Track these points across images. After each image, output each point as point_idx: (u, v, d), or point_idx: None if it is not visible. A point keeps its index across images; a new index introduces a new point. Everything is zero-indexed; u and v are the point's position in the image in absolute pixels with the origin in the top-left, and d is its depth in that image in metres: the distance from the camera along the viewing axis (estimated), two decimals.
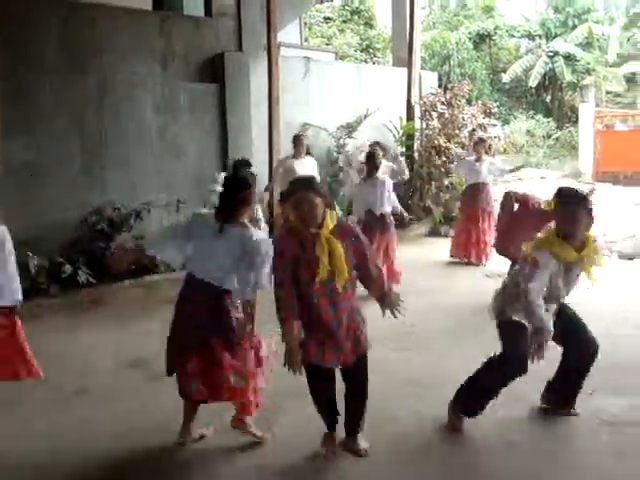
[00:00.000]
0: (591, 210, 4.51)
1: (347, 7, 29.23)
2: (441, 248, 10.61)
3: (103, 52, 9.18)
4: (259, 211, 8.13)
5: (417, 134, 12.88)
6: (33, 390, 5.40)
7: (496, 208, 8.97)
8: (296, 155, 9.59)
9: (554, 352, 4.62)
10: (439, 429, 4.62)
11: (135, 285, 8.43)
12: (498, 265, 8.92)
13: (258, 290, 4.22)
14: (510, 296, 4.51)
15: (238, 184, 4.35)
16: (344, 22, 28.92)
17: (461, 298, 8.01)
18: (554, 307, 4.55)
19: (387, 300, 4.21)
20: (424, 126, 12.89)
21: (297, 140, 9.68)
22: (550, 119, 29.30)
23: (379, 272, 4.26)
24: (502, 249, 7.53)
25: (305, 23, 22.42)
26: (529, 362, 4.31)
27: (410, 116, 12.85)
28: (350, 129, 12.13)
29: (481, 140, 10.18)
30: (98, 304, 8.08)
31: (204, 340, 4.23)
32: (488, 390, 4.53)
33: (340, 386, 4.29)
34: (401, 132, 12.81)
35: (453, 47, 28.82)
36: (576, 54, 29.27)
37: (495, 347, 4.52)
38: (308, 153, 9.80)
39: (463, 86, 13.05)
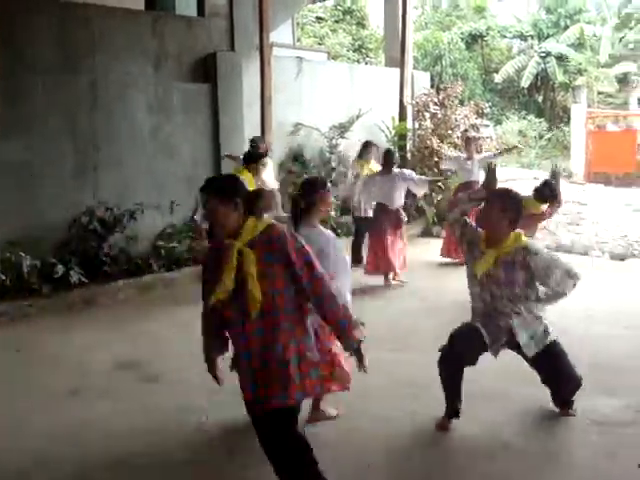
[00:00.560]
0: (511, 208, 4.40)
1: (339, 7, 29.24)
2: (434, 249, 10.62)
3: (96, 52, 9.16)
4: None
5: (409, 134, 12.90)
6: (28, 390, 5.41)
7: None
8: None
9: None
10: (433, 430, 4.64)
11: (128, 286, 8.42)
12: None
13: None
14: None
15: (316, 185, 4.36)
16: (336, 22, 28.93)
17: (455, 297, 8.01)
18: (506, 321, 4.54)
19: (346, 344, 3.45)
20: (417, 126, 12.91)
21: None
22: (542, 119, 29.41)
23: (331, 300, 3.31)
24: None
25: (297, 23, 22.42)
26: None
27: (402, 116, 12.86)
28: (342, 129, 12.13)
29: (471, 139, 10.18)
30: (91, 304, 8.07)
31: None
32: (444, 387, 4.65)
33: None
34: (393, 132, 12.82)
35: (445, 47, 28.88)
36: (568, 55, 29.37)
37: None
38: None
39: (455, 86, 13.08)
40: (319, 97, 12.16)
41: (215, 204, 3.24)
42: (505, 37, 33.19)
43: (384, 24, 15.47)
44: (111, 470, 4.08)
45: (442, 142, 12.42)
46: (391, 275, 8.87)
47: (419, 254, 10.74)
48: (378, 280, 8.80)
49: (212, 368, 3.67)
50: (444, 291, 8.51)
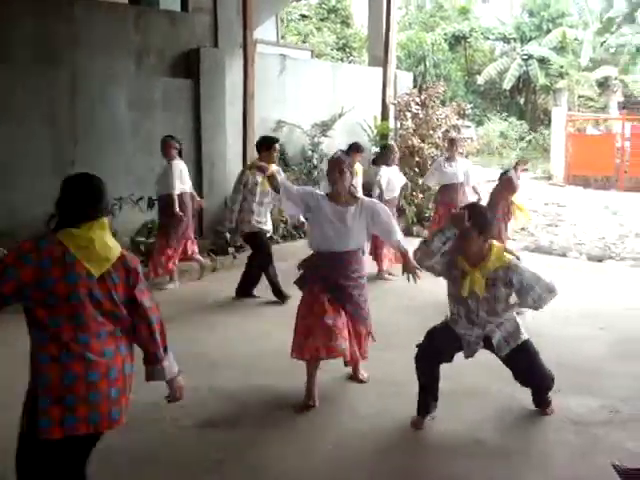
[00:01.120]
0: (475, 222, 4.38)
1: (324, 5, 29.29)
2: (414, 247, 10.64)
3: (78, 45, 9.09)
4: None
5: (391, 134, 12.92)
6: (8, 387, 5.36)
7: None
8: None
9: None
10: (410, 428, 4.66)
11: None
12: None
13: None
14: None
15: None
16: (321, 20, 28.98)
17: (437, 297, 8.03)
18: (476, 331, 4.58)
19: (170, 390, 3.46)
20: (398, 126, 12.94)
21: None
22: (523, 122, 29.63)
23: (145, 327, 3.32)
24: None
25: (282, 20, 22.42)
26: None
27: (385, 116, 12.89)
28: (325, 127, 12.15)
29: (452, 140, 10.22)
30: None
31: None
32: (420, 383, 4.71)
33: None
34: (375, 132, 12.85)
35: (429, 48, 28.99)
36: (550, 58, 29.60)
37: None
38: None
39: (437, 87, 13.12)
40: (302, 95, 12.15)
41: None
42: (488, 39, 33.42)
43: (368, 23, 15.48)
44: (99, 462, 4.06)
45: (423, 142, 12.45)
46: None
47: None
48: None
49: None
50: (427, 290, 8.51)
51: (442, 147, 12.19)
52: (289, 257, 8.59)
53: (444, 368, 4.73)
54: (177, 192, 8.26)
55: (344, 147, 9.68)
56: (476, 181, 10.18)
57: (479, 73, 31.18)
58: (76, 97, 9.10)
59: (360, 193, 8.12)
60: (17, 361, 5.20)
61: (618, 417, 4.86)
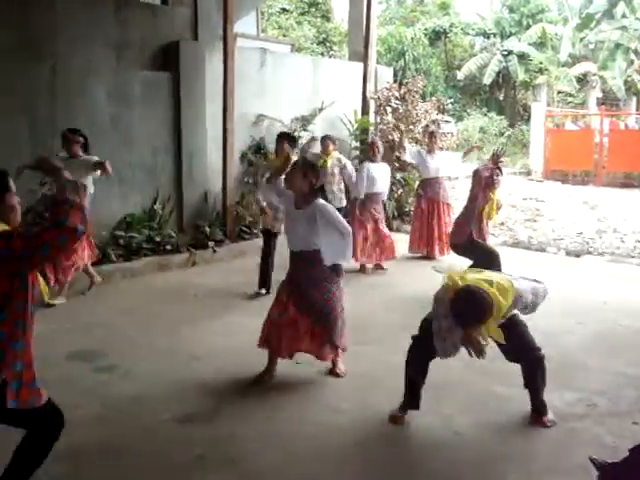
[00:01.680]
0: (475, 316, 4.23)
1: None
2: (395, 242, 10.67)
3: (57, 37, 8.99)
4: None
5: (372, 129, 12.94)
6: None
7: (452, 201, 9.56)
8: None
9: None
10: (387, 422, 4.68)
11: (86, 275, 8.27)
12: (451, 260, 9.12)
13: None
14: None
15: None
16: (301, 14, 28.93)
17: (415, 292, 8.07)
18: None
19: None
20: (378, 120, 12.95)
21: None
22: (503, 117, 29.77)
23: None
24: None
25: (262, 13, 22.35)
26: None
27: (365, 110, 12.89)
28: (305, 122, 12.12)
29: (432, 134, 10.26)
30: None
31: None
32: (411, 377, 4.71)
33: None
34: (355, 126, 12.85)
35: (409, 43, 29.03)
36: (529, 53, 29.77)
37: None
38: None
39: (417, 82, 13.13)
40: (282, 89, 12.13)
41: None
42: (468, 34, 33.54)
43: (349, 18, 15.46)
44: (65, 461, 4.03)
45: (403, 137, 12.48)
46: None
47: None
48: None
49: None
50: (406, 285, 8.57)
51: (422, 142, 12.22)
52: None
53: None
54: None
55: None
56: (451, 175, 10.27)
57: (459, 68, 31.29)
58: (55, 89, 9.01)
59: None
60: None
61: (596, 411, 4.91)
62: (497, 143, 26.01)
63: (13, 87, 8.60)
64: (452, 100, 25.17)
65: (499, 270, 7.34)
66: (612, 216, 13.47)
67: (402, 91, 12.81)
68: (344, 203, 9.19)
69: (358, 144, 12.79)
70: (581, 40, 30.39)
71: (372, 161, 9.30)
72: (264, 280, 8.08)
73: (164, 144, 10.20)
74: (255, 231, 10.44)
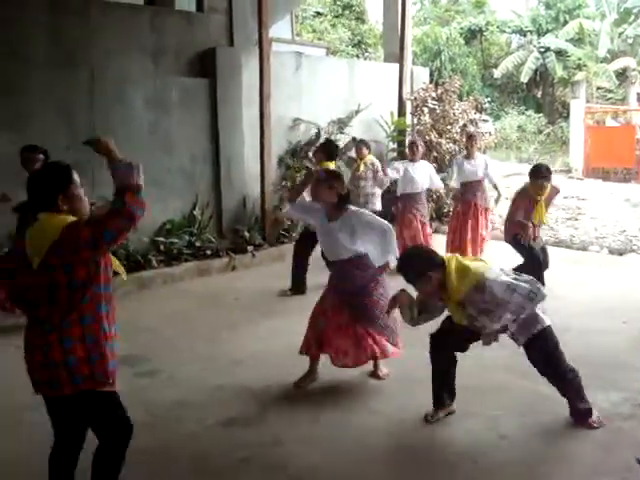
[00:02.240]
0: (419, 271, 4.32)
1: (339, 2, 29.22)
2: (435, 242, 10.58)
3: (93, 47, 9.12)
4: None
5: (409, 130, 12.89)
6: (26, 386, 5.40)
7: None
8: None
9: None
10: (427, 424, 4.65)
11: (127, 282, 8.28)
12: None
13: None
14: None
15: None
16: (336, 17, 28.91)
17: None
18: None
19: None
20: (415, 122, 12.90)
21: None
22: (541, 115, 29.43)
23: None
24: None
25: (297, 17, 22.40)
26: None
27: (401, 112, 12.84)
28: (341, 125, 12.12)
29: (471, 136, 10.16)
30: None
31: None
32: (440, 375, 4.73)
33: None
34: (392, 127, 12.82)
35: (444, 42, 28.85)
36: (567, 50, 29.38)
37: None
38: None
39: (454, 81, 13.07)
40: (318, 92, 12.14)
41: None
42: (504, 32, 33.23)
43: (383, 19, 15.42)
44: None
45: (441, 137, 12.41)
46: None
47: None
48: None
49: None
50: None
51: (460, 142, 12.14)
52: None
53: (466, 365, 4.72)
54: None
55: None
56: (496, 177, 10.10)
57: (496, 67, 31.01)
58: (93, 98, 9.14)
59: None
60: None
61: None
62: (535, 141, 25.78)
63: (52, 96, 8.73)
64: (489, 99, 24.89)
65: (539, 269, 7.32)
66: None
67: (439, 91, 12.75)
68: (378, 207, 9.18)
69: (395, 146, 12.76)
70: (619, 35, 29.94)
71: (411, 161, 9.33)
72: (296, 281, 8.30)
73: (202, 150, 10.27)
74: (294, 235, 10.45)
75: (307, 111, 11.81)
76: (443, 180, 10.44)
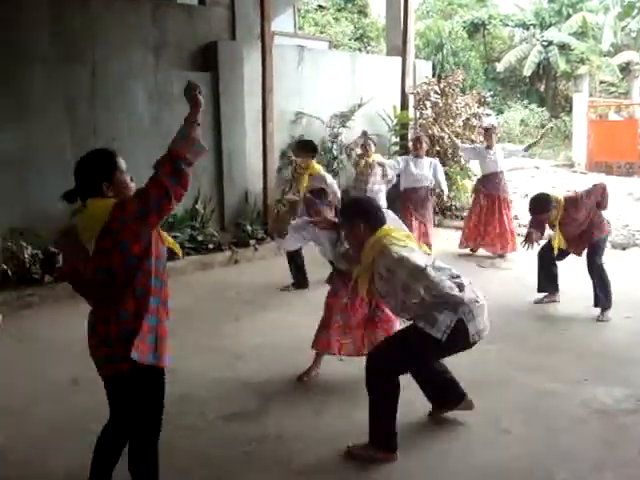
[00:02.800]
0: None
1: None
2: (437, 237, 10.54)
3: (95, 41, 9.09)
4: None
5: (411, 123, 12.86)
6: (30, 379, 5.41)
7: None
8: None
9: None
10: (430, 419, 4.65)
11: None
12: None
13: None
14: None
15: None
16: (338, 10, 28.84)
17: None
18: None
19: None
20: (418, 115, 12.87)
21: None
22: (544, 109, 29.37)
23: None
24: None
25: (299, 11, 22.33)
26: None
27: (404, 105, 12.82)
28: (344, 118, 12.10)
29: (488, 129, 10.10)
30: None
31: None
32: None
33: None
34: (395, 121, 12.79)
35: (447, 36, 28.77)
36: (570, 43, 29.29)
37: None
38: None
39: (457, 75, 13.04)
40: (320, 86, 12.11)
41: None
42: (507, 26, 33.15)
43: (386, 12, 15.37)
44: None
45: (443, 131, 12.38)
46: None
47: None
48: None
49: None
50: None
51: (462, 136, 12.11)
52: None
53: (468, 360, 4.70)
54: None
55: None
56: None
57: (498, 60, 30.96)
58: (95, 92, 9.12)
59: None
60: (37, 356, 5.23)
61: None
62: (538, 135, 25.75)
63: (54, 92, 8.71)
64: (492, 93, 24.92)
65: (554, 264, 7.27)
66: None
67: (441, 85, 12.72)
68: (384, 204, 9.17)
69: (398, 139, 12.73)
70: (623, 29, 29.84)
71: (416, 156, 9.31)
72: (296, 276, 8.28)
73: (204, 143, 10.22)
74: None
75: (309, 105, 11.79)
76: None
